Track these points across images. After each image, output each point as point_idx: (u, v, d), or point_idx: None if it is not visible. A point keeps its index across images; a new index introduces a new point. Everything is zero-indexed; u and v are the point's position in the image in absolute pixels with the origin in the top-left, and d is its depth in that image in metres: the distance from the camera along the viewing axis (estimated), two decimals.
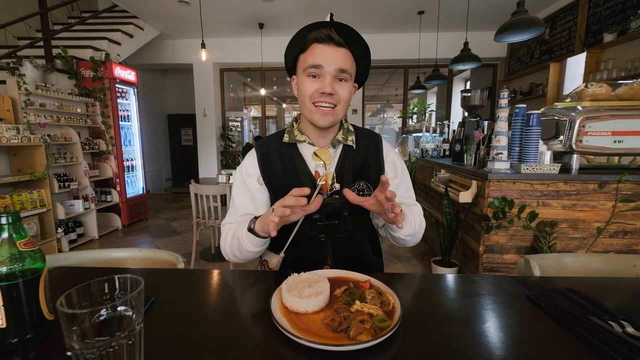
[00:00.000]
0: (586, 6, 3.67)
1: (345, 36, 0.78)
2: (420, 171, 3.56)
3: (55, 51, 3.67)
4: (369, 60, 0.88)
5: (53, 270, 0.78)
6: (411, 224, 0.84)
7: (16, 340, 0.48)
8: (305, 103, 0.82)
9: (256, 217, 0.77)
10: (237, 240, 0.79)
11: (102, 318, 0.36)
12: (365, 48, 0.85)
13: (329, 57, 0.77)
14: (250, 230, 0.76)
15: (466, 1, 3.83)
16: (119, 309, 0.37)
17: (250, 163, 0.90)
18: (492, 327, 0.54)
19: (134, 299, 0.37)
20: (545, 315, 0.58)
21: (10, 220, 0.48)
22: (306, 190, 0.65)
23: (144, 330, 0.40)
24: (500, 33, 2.51)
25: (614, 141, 1.72)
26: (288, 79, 0.92)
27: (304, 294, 0.56)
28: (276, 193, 0.88)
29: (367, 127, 7.19)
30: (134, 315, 0.38)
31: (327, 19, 0.85)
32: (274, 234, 0.67)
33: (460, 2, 3.97)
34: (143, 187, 4.56)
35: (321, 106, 0.80)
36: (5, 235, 0.48)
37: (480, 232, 1.90)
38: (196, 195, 2.63)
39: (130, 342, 0.37)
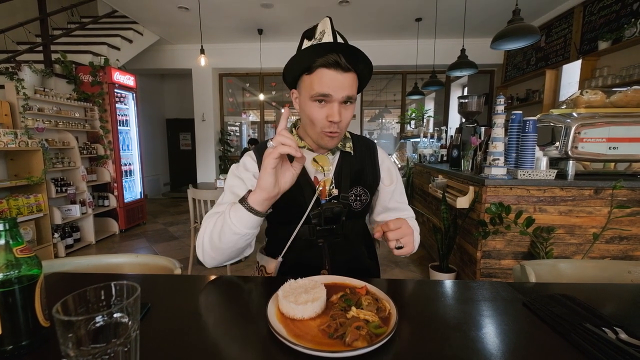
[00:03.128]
0: (581, 14, 3.73)
1: (352, 61, 0.77)
2: (418, 176, 3.57)
3: (54, 56, 3.68)
4: (370, 76, 0.88)
5: (49, 276, 0.78)
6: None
7: (11, 347, 0.48)
8: (313, 128, 0.81)
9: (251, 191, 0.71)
10: (222, 220, 0.71)
11: (98, 325, 0.36)
12: (370, 68, 0.84)
13: (337, 85, 0.76)
14: (243, 201, 0.69)
15: (463, 9, 3.88)
16: (114, 315, 0.37)
17: (249, 163, 0.89)
18: (488, 334, 0.55)
19: (130, 306, 0.37)
20: (540, 322, 0.58)
21: (7, 227, 0.48)
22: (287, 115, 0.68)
23: (139, 337, 0.40)
24: (496, 40, 2.54)
25: (609, 147, 1.74)
26: None
27: (300, 300, 0.56)
28: None
29: (365, 132, 7.23)
30: (129, 322, 0.38)
31: (327, 24, 0.82)
32: (266, 177, 0.65)
33: (457, 9, 4.03)
34: (141, 192, 4.55)
35: (329, 132, 0.80)
36: (1, 241, 0.48)
37: (478, 237, 1.91)
38: (194, 200, 2.62)
39: (126, 349, 0.37)
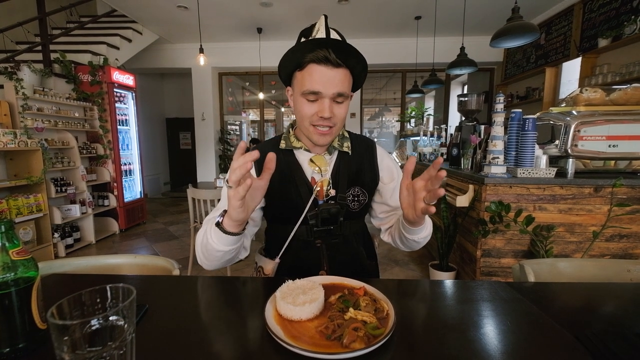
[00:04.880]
0: (581, 12, 3.71)
1: (342, 56, 0.76)
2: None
3: (53, 56, 3.67)
4: (366, 73, 0.87)
5: (47, 277, 0.78)
6: (426, 229, 0.80)
7: (8, 349, 0.48)
8: (303, 123, 0.81)
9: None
10: (205, 237, 0.71)
11: (93, 328, 0.36)
12: (363, 64, 0.82)
13: (327, 81, 0.75)
14: (218, 224, 0.67)
15: (462, 7, 3.87)
16: (110, 319, 0.37)
17: None
18: (487, 334, 0.54)
19: (125, 309, 0.37)
20: (541, 321, 0.58)
21: (2, 229, 0.48)
22: (243, 145, 0.56)
23: (135, 340, 0.40)
24: (495, 39, 2.53)
25: (609, 145, 1.74)
26: None
27: (298, 301, 0.56)
28: (273, 199, 0.88)
29: (365, 130, 7.22)
30: (125, 325, 0.37)
31: (322, 22, 0.82)
32: (235, 214, 0.59)
33: (456, 7, 4.01)
34: (141, 191, 4.55)
35: (320, 128, 0.79)
36: None
37: (477, 236, 1.90)
38: (194, 199, 2.62)
39: (121, 352, 0.37)
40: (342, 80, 0.76)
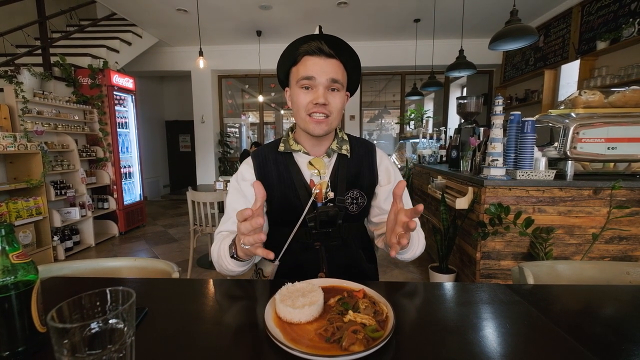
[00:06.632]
0: (579, 14, 3.73)
1: (335, 48, 0.80)
2: (418, 177, 3.57)
3: (53, 59, 3.69)
4: (359, 70, 0.90)
5: (47, 280, 0.78)
6: (411, 250, 0.82)
7: (7, 353, 0.48)
8: (299, 114, 0.83)
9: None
10: (221, 258, 0.76)
11: (93, 331, 0.36)
12: (355, 59, 0.86)
13: (321, 68, 0.79)
14: (233, 256, 0.72)
15: (461, 9, 3.89)
16: (110, 322, 0.37)
17: (246, 171, 0.91)
18: (486, 337, 0.55)
19: (125, 312, 0.37)
20: (540, 323, 0.58)
21: (2, 233, 0.48)
22: (247, 212, 0.58)
23: (135, 343, 0.40)
24: (494, 41, 2.54)
25: (608, 148, 1.74)
26: None
27: (297, 304, 0.56)
28: (272, 201, 0.89)
29: (364, 132, 7.23)
30: (125, 328, 0.38)
31: (316, 31, 0.86)
32: (263, 253, 0.62)
33: (455, 10, 4.03)
34: (140, 194, 4.55)
35: (315, 116, 0.81)
36: None
37: (477, 238, 1.90)
38: (193, 202, 2.62)
39: (121, 355, 0.37)
40: (335, 69, 0.80)
